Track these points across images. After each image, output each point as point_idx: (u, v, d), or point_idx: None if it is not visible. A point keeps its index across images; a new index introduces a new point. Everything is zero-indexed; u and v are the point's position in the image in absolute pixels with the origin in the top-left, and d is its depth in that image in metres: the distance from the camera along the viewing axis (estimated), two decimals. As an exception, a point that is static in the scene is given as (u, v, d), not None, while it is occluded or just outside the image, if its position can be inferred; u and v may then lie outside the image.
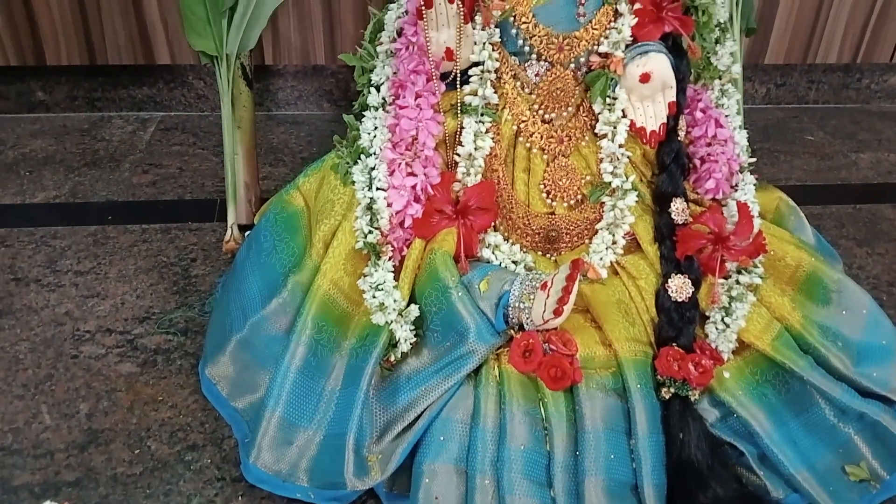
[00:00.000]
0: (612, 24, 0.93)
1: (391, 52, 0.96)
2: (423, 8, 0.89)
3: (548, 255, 0.97)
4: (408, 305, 0.89)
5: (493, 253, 0.95)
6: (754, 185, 1.00)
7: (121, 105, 1.64)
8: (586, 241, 0.97)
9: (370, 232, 0.91)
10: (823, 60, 1.68)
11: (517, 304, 0.86)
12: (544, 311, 0.82)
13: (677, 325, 0.89)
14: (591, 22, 0.93)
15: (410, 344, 0.87)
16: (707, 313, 0.91)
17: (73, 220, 1.29)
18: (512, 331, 0.87)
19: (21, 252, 1.21)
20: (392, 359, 0.87)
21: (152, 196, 1.38)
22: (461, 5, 0.89)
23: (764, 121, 1.72)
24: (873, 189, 1.48)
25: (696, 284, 0.91)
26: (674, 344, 0.87)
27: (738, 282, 0.91)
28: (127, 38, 1.50)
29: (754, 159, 1.02)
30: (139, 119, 1.64)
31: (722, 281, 0.92)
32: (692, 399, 0.86)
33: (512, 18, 0.93)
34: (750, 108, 1.71)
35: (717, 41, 1.00)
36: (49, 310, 1.09)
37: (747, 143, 1.02)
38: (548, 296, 0.83)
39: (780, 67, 1.73)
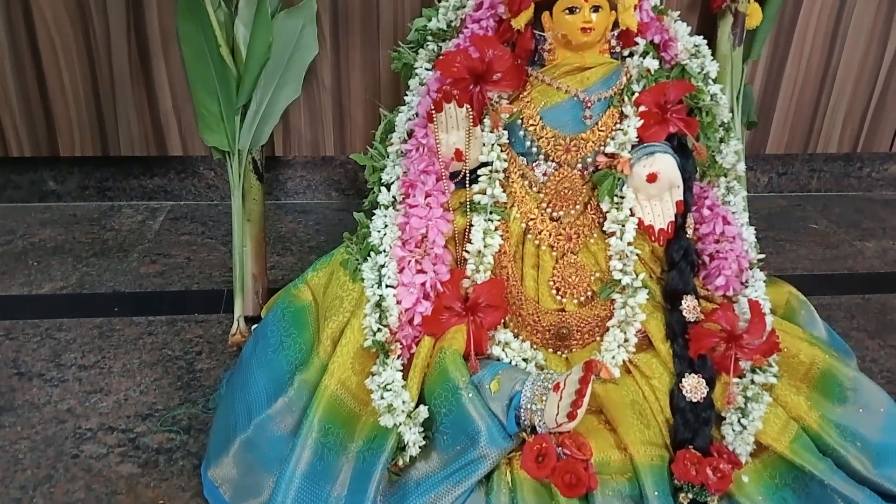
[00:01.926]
0: (618, 125, 0.95)
1: (402, 152, 0.98)
2: (433, 111, 0.92)
3: (559, 353, 0.96)
4: (417, 405, 0.88)
5: (503, 350, 0.94)
6: (764, 281, 1.00)
7: (131, 194, 1.67)
8: (597, 338, 0.96)
9: (379, 330, 0.90)
10: (824, 150, 1.71)
11: (529, 406, 0.84)
12: (557, 414, 0.81)
13: (693, 426, 0.87)
14: (597, 124, 0.95)
15: (420, 447, 0.85)
16: (723, 414, 0.89)
17: (79, 312, 1.29)
18: (524, 433, 0.85)
19: (26, 345, 1.20)
20: (400, 463, 0.85)
21: (159, 287, 1.38)
22: (470, 109, 0.92)
23: (767, 209, 1.73)
24: (881, 279, 1.47)
25: (711, 384, 0.90)
26: (690, 447, 0.85)
27: (753, 381, 0.90)
28: (141, 130, 1.54)
29: (763, 255, 1.02)
30: (149, 208, 1.66)
31: (737, 380, 0.90)
32: (711, 505, 0.83)
33: (520, 121, 0.95)
34: (752, 197, 1.73)
35: (721, 140, 1.02)
36: (51, 406, 1.07)
37: (755, 240, 1.02)
38: (560, 398, 0.81)
39: (781, 157, 1.76)
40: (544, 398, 0.83)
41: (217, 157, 1.25)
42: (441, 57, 0.94)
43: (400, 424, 0.85)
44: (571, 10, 0.91)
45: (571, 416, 0.80)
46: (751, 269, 0.99)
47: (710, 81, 1.01)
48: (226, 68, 1.20)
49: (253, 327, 1.17)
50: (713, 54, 1.39)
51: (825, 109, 1.67)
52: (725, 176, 1.03)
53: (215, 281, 1.40)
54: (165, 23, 1.44)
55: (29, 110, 1.50)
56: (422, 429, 0.86)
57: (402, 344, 0.91)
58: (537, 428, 0.84)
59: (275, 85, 1.23)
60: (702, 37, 1.04)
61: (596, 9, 0.91)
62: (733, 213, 1.01)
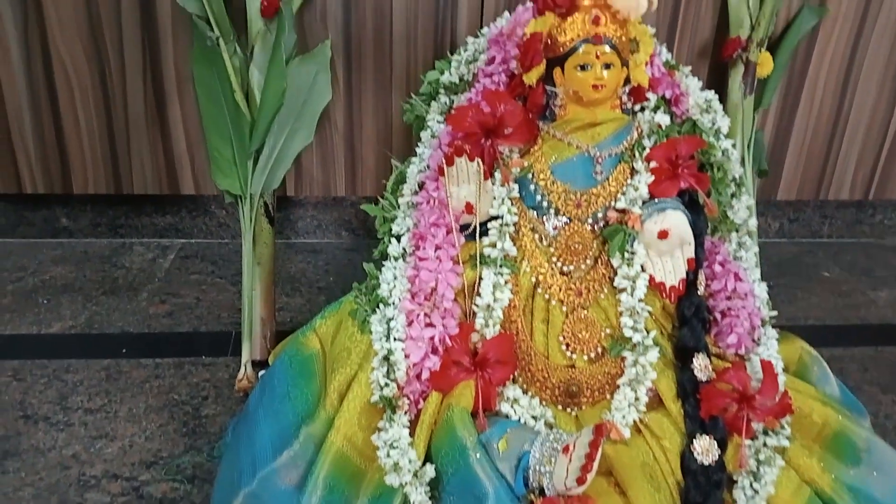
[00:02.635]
0: (629, 181, 0.95)
1: (412, 204, 0.98)
2: (444, 165, 0.92)
3: (568, 410, 0.95)
4: (423, 463, 0.87)
5: (511, 407, 0.93)
6: (777, 339, 0.99)
7: (143, 232, 1.67)
8: (607, 395, 0.94)
9: (386, 385, 0.89)
10: (836, 197, 1.71)
11: (538, 468, 0.83)
12: (567, 478, 0.79)
13: (704, 489, 0.85)
14: (608, 179, 0.95)
15: (426, 508, 0.84)
16: (734, 477, 0.88)
17: (87, 353, 1.29)
18: (532, 495, 0.83)
19: (33, 387, 1.20)
20: (406, 523, 0.84)
21: (168, 328, 1.38)
22: (481, 163, 0.92)
23: (778, 255, 1.72)
24: (894, 330, 1.46)
25: (722, 445, 0.88)
26: (701, 511, 0.84)
27: (765, 444, 0.88)
28: (154, 170, 1.55)
29: (775, 313, 1.01)
30: (160, 246, 1.66)
31: (749, 442, 0.89)
32: (723, 573, 0.81)
33: (530, 175, 0.95)
34: (764, 243, 1.72)
35: (732, 195, 1.01)
36: (56, 451, 1.07)
37: (767, 296, 1.01)
38: (570, 460, 0.80)
39: (792, 203, 1.76)
40: (553, 460, 0.82)
41: (229, 200, 1.26)
42: (453, 111, 0.94)
43: (406, 484, 0.83)
44: (583, 67, 0.91)
45: (581, 481, 0.78)
46: (763, 326, 0.98)
47: (722, 136, 1.01)
48: (240, 113, 1.21)
49: (260, 374, 1.16)
50: (724, 103, 1.40)
51: (836, 156, 1.66)
52: (737, 231, 1.03)
53: (223, 322, 1.40)
54: (181, 64, 1.46)
55: (43, 148, 1.52)
56: (428, 488, 0.85)
57: (409, 399, 0.90)
58: (546, 490, 0.83)
59: (288, 130, 1.24)
60: (713, 91, 1.04)
61: (608, 66, 0.91)
62: (745, 269, 1.00)
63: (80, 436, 1.10)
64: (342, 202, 1.69)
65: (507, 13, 1.07)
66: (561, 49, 0.92)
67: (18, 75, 1.46)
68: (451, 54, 1.08)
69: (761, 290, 1.01)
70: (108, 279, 1.53)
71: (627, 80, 0.96)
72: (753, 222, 1.03)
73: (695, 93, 1.02)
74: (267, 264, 1.27)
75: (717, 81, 1.47)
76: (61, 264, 1.57)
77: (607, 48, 0.91)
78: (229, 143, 1.23)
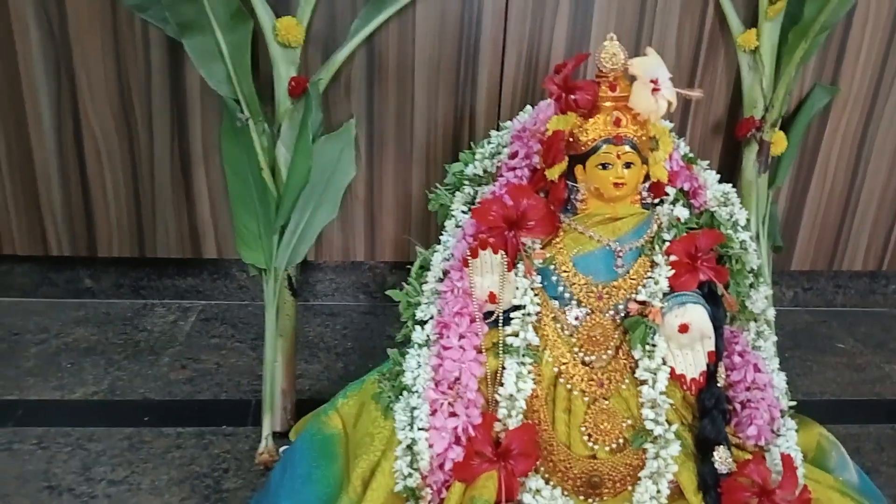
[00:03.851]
0: (649, 273, 0.97)
1: (436, 291, 1.01)
2: (468, 256, 0.94)
3: (590, 501, 0.96)
4: (446, 554, 0.88)
5: (534, 498, 0.93)
6: (795, 429, 0.99)
7: (164, 294, 1.70)
8: (629, 487, 0.95)
9: (410, 475, 0.91)
10: (849, 268, 1.72)
11: (560, 565, 0.84)
12: (589, 577, 0.80)
13: (725, 586, 0.86)
14: (628, 272, 0.97)
15: None
16: (755, 574, 0.88)
17: (110, 421, 1.30)
18: (554, 592, 0.84)
19: (57, 455, 1.21)
20: None
21: (189, 394, 1.39)
22: (505, 255, 0.94)
23: (792, 325, 1.73)
24: (910, 407, 1.46)
25: (743, 540, 0.89)
26: None
27: (785, 540, 0.89)
28: (178, 234, 1.58)
29: (794, 403, 1.02)
30: (181, 308, 1.69)
31: (769, 538, 0.89)
32: None
33: (553, 266, 0.98)
34: (778, 311, 1.72)
35: (751, 286, 1.03)
36: (79, 527, 1.08)
37: (786, 386, 1.02)
38: (592, 559, 0.81)
39: (806, 273, 1.77)
40: (575, 557, 0.83)
41: (253, 273, 1.29)
42: (477, 204, 0.97)
43: (430, 579, 0.84)
44: (604, 166, 0.94)
45: (604, 581, 0.79)
46: (782, 417, 0.99)
47: (739, 228, 1.03)
48: (266, 190, 1.24)
49: (281, 449, 1.18)
50: (738, 181, 1.43)
51: (849, 229, 1.69)
52: (755, 321, 1.04)
53: (243, 390, 1.42)
54: (207, 135, 1.50)
55: (70, 213, 1.56)
56: (451, 582, 0.86)
57: (432, 489, 0.91)
58: (568, 587, 0.83)
59: (312, 206, 1.27)
60: (731, 185, 1.06)
61: (628, 165, 0.94)
62: (764, 358, 1.02)
63: (103, 510, 1.11)
64: (361, 266, 1.71)
65: (529, 106, 1.10)
66: (583, 148, 0.94)
67: (49, 141, 1.50)
68: (470, 129, 1.09)
69: (780, 380, 1.02)
70: (130, 342, 1.55)
71: (647, 176, 0.98)
72: (772, 312, 1.05)
73: (713, 186, 1.05)
74: (289, 336, 1.29)
75: (730, 159, 1.51)
76: (84, 325, 1.60)
77: (628, 148, 0.93)
78: (255, 218, 1.26)
